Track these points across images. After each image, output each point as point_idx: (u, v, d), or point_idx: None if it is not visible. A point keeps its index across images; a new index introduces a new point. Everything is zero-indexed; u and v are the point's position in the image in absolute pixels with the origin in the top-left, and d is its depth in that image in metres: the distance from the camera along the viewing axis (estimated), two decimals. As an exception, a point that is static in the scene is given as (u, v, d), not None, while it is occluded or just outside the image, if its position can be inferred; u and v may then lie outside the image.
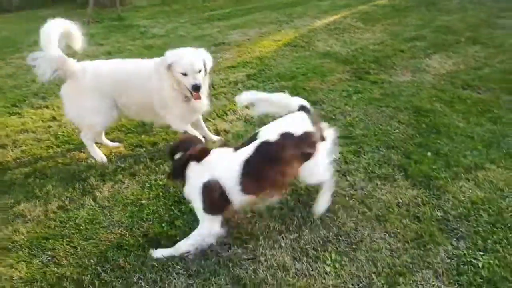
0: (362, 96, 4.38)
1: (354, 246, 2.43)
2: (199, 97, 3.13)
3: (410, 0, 8.92)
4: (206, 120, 3.93)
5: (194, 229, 2.43)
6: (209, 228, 2.37)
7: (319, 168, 2.52)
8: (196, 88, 3.03)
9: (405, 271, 2.23)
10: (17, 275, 2.34)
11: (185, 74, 3.04)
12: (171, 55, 3.09)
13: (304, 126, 2.44)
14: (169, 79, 3.13)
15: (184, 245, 2.39)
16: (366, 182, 2.99)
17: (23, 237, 2.64)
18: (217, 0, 11.10)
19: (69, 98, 3.27)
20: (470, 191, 2.83)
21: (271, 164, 2.32)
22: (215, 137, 3.70)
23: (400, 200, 2.78)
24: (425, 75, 4.88)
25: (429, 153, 3.29)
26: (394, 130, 3.67)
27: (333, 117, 3.97)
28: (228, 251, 2.43)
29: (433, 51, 5.65)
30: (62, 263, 2.41)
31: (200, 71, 3.06)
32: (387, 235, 2.50)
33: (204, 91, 3.22)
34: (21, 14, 10.66)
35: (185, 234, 2.46)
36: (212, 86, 4.03)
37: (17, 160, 3.54)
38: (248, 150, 2.34)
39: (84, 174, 3.28)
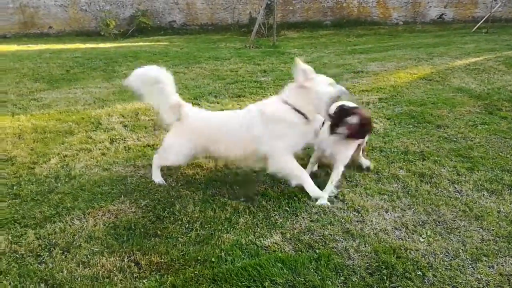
0: (488, 127, 4.67)
1: (448, 231, 2.93)
2: None
3: None
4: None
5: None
6: None
7: None
8: None
9: (490, 254, 2.66)
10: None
11: None
12: None
13: None
14: None
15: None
16: (473, 192, 3.40)
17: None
18: (361, 37, 12.00)
19: None
20: None
21: None
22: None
23: (501, 209, 3.14)
24: None
25: (545, 183, 3.52)
26: (513, 158, 3.94)
27: (454, 140, 4.39)
28: (343, 213, 3.19)
29: None
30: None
31: None
32: (481, 229, 2.92)
33: None
34: (197, 36, 13.34)
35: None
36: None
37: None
38: None
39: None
